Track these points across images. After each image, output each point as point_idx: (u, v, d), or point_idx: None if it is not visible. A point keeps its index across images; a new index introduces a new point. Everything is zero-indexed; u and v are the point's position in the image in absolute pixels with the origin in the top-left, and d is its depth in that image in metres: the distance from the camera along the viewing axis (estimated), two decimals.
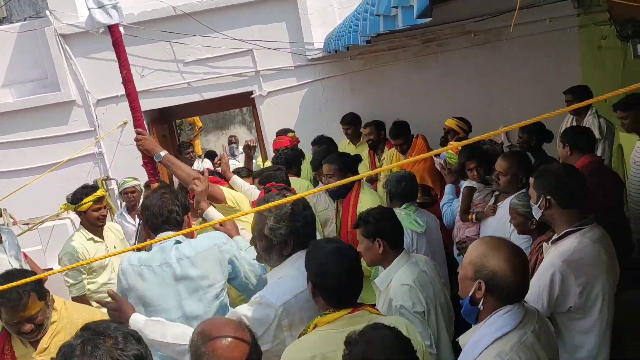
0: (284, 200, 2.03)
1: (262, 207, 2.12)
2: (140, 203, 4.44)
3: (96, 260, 2.75)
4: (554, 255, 2.50)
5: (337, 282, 2.11)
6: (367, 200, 3.71)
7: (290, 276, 2.33)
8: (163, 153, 3.38)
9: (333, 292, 2.12)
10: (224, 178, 4.28)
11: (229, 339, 1.72)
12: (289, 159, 4.98)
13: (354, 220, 3.56)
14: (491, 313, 1.91)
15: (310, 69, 6.75)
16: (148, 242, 2.09)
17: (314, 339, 2.07)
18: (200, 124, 10.43)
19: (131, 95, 3.55)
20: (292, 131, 6.03)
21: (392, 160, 5.59)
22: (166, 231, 2.76)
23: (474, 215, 3.83)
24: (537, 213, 2.64)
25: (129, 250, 2.23)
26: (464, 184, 4.11)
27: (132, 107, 3.55)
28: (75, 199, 4.30)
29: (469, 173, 3.98)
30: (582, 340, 2.47)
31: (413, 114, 6.12)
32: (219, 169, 4.69)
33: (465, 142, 1.72)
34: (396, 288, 2.66)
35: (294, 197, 2.24)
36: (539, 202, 2.57)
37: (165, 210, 2.77)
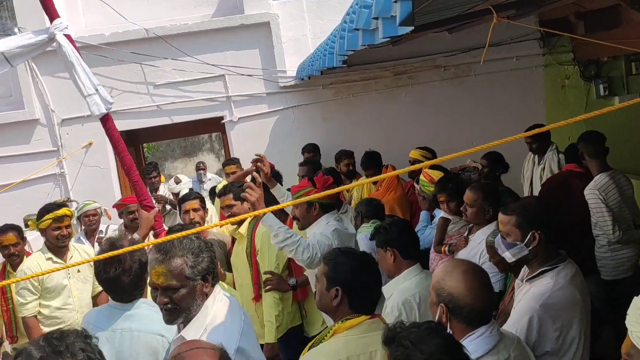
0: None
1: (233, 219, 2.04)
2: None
3: (26, 278, 2.54)
4: (530, 298, 2.42)
5: (366, 288, 2.17)
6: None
7: None
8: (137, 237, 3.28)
9: (360, 298, 2.16)
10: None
11: None
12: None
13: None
14: (463, 337, 1.87)
15: (282, 96, 6.76)
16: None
17: (336, 344, 2.08)
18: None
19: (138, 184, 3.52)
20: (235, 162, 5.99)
21: (362, 190, 5.58)
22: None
23: (446, 248, 3.81)
24: (520, 252, 2.47)
25: (76, 265, 2.03)
26: (440, 213, 4.11)
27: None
28: (38, 216, 4.16)
29: (441, 206, 4.00)
30: None
31: (383, 144, 6.16)
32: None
33: (432, 161, 1.69)
34: (394, 298, 2.71)
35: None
36: (527, 239, 2.44)
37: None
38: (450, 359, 1.53)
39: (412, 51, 6.59)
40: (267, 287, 3.81)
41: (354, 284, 2.15)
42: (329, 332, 2.13)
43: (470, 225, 3.68)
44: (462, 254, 3.58)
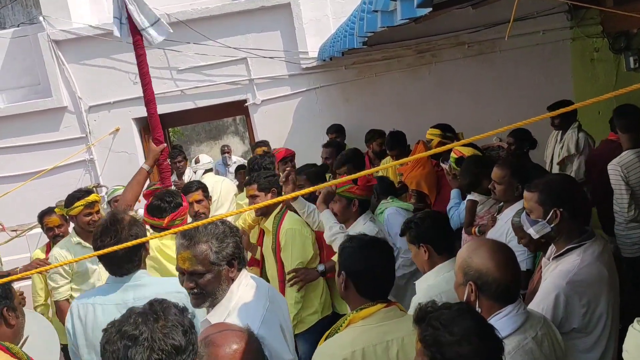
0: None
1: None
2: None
3: (60, 265, 2.60)
4: (557, 275, 2.42)
5: (378, 275, 2.13)
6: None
7: None
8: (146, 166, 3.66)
9: (368, 283, 2.12)
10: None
11: (232, 347, 1.68)
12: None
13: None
14: (490, 316, 1.88)
15: (304, 78, 6.74)
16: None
17: (352, 334, 2.05)
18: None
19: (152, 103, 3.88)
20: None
21: (387, 170, 5.55)
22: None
23: (476, 229, 3.77)
24: (543, 229, 2.46)
25: (105, 252, 2.05)
26: (468, 195, 4.07)
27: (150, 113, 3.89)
28: (67, 203, 4.23)
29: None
30: (584, 359, 2.39)
31: (406, 124, 6.10)
32: None
33: (462, 142, 1.68)
34: (420, 295, 2.60)
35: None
36: (549, 217, 2.42)
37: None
38: (480, 341, 1.52)
39: (435, 28, 6.48)
40: (293, 282, 3.78)
41: (357, 268, 2.12)
42: (344, 322, 2.12)
43: (501, 204, 3.62)
44: (490, 234, 3.54)
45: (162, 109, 6.70)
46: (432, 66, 6.76)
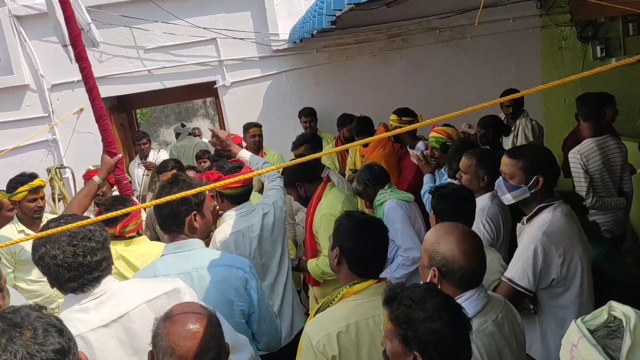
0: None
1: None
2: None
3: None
4: (533, 229, 2.57)
5: (370, 252, 2.17)
6: (325, 201, 3.62)
7: None
8: (97, 179, 3.35)
9: (363, 262, 2.17)
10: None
11: (188, 327, 1.65)
12: None
13: (312, 221, 3.62)
14: None
15: (274, 60, 6.66)
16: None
17: (345, 309, 2.09)
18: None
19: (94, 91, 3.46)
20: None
21: (355, 154, 5.56)
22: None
23: None
24: (522, 194, 2.62)
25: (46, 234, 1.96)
26: (444, 176, 4.03)
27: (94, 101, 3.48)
28: (9, 188, 3.95)
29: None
30: (564, 314, 2.53)
31: (378, 108, 6.10)
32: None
33: (427, 122, 1.67)
34: None
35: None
36: (530, 183, 2.58)
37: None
38: (450, 317, 1.54)
39: (407, 13, 6.48)
40: None
41: (351, 246, 2.18)
42: (336, 297, 2.15)
43: None
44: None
45: (128, 89, 6.60)
46: (403, 51, 6.75)
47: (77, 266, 1.93)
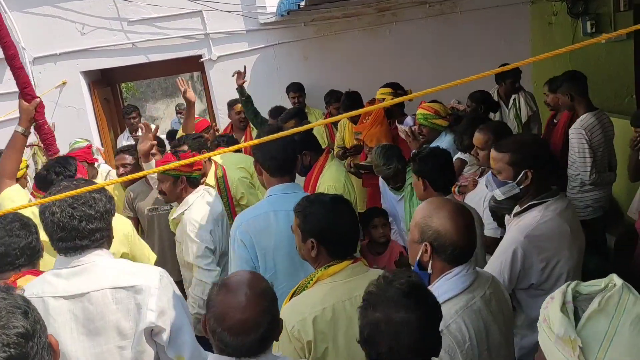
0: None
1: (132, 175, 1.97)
2: None
3: None
4: (515, 230, 2.41)
5: (346, 230, 2.12)
6: (329, 172, 3.55)
7: None
8: (20, 129, 3.13)
9: (339, 244, 2.11)
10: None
11: (240, 299, 1.61)
12: None
13: (314, 189, 3.54)
14: (439, 276, 1.87)
15: (262, 34, 6.54)
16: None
17: (321, 292, 2.05)
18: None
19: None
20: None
21: (344, 130, 5.51)
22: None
23: (456, 189, 3.72)
24: (511, 190, 2.43)
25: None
26: (457, 155, 3.96)
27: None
28: None
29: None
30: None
31: (366, 83, 6.02)
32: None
33: (417, 94, 1.62)
34: None
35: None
36: (519, 178, 2.40)
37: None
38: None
39: None
40: None
41: (327, 233, 2.09)
42: (311, 280, 2.09)
43: (483, 167, 3.57)
44: (469, 196, 3.51)
45: (111, 62, 6.47)
46: (392, 25, 6.67)
47: (71, 229, 1.97)
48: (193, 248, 3.12)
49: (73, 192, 1.73)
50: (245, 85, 6.60)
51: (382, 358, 1.52)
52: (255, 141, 2.02)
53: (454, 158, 3.96)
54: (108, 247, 2.11)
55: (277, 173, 2.72)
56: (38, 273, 2.22)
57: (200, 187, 3.33)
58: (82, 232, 1.98)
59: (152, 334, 2.01)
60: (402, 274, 1.60)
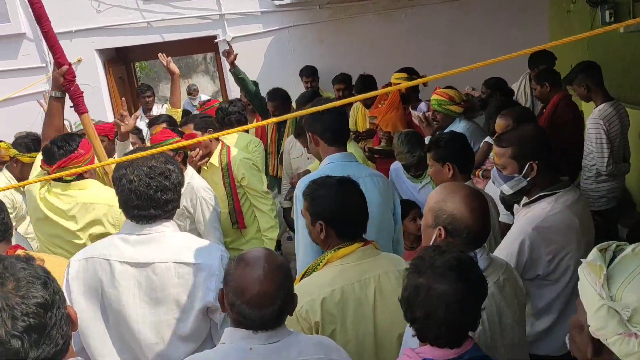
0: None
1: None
2: None
3: None
4: (524, 221, 2.40)
5: (355, 211, 2.13)
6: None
7: None
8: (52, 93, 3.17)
9: (347, 225, 2.11)
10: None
11: (258, 273, 1.64)
12: None
13: None
14: None
15: (277, 15, 6.52)
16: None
17: (330, 273, 2.05)
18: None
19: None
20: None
21: (356, 114, 5.49)
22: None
23: (480, 172, 3.71)
24: (518, 184, 2.42)
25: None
26: (485, 139, 3.94)
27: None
28: (20, 146, 4.07)
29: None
30: (548, 305, 2.42)
31: (380, 67, 5.98)
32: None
33: (430, 78, 1.62)
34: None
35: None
36: (524, 171, 2.38)
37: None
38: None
39: None
40: None
41: (336, 215, 2.09)
42: (322, 261, 2.10)
43: None
44: (491, 181, 3.50)
45: (126, 40, 6.48)
46: (407, 10, 6.61)
47: (147, 198, 2.04)
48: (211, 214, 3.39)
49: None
50: (259, 67, 6.63)
51: (417, 322, 1.58)
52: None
53: (482, 142, 3.97)
54: (171, 217, 2.17)
55: (334, 143, 2.80)
56: (18, 247, 2.26)
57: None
58: (157, 202, 2.05)
59: (208, 311, 2.07)
60: (454, 247, 1.64)
